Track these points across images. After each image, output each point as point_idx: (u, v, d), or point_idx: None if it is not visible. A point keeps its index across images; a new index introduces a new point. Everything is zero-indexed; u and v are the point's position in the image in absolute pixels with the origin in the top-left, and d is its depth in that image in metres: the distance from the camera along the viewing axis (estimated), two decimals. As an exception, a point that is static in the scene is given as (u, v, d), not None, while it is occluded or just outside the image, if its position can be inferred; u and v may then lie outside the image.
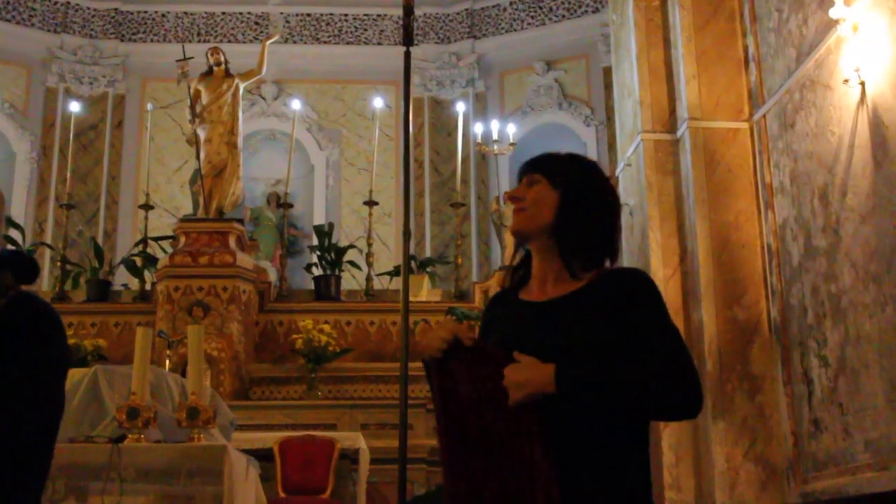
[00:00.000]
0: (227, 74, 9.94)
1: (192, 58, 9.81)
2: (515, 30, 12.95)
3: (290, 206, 10.75)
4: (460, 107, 10.85)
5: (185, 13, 13.24)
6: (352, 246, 10.17)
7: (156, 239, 10.22)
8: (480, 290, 9.53)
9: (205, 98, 9.82)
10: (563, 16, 12.69)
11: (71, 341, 7.87)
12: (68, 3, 12.89)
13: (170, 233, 9.97)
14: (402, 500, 2.80)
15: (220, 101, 9.79)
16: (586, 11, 12.52)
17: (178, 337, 7.98)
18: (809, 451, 5.07)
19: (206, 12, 13.26)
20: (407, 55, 3.07)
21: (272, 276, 10.47)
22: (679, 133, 5.96)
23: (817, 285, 4.95)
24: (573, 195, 2.13)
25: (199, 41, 12.56)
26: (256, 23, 13.28)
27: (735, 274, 5.64)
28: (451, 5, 13.25)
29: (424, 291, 9.60)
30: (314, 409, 8.54)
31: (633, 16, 6.25)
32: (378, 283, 10.01)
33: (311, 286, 10.06)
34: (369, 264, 9.82)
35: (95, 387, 5.23)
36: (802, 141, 5.14)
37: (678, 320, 5.41)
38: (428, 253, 11.87)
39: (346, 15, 13.32)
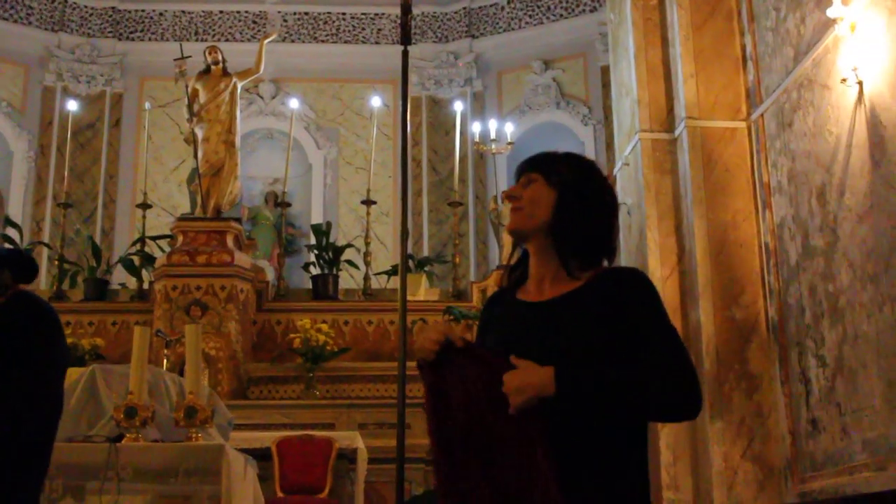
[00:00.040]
0: (225, 73, 9.93)
1: (190, 56, 9.81)
2: (513, 29, 12.95)
3: (288, 205, 10.73)
4: (458, 106, 10.82)
5: (183, 12, 13.23)
6: (349, 245, 10.15)
7: (153, 238, 10.20)
8: (478, 289, 9.51)
9: (202, 97, 9.81)
10: (561, 15, 12.69)
11: (68, 340, 7.80)
12: (66, 1, 12.87)
13: (167, 232, 9.96)
14: (400, 499, 2.80)
15: (217, 99, 9.77)
16: (584, 10, 12.53)
17: (176, 336, 7.96)
18: (807, 451, 5.07)
19: (203, 11, 13.26)
20: (405, 54, 3.08)
21: (270, 275, 10.47)
22: (677, 132, 5.96)
23: (815, 285, 4.95)
24: (570, 194, 2.13)
25: (196, 40, 12.55)
26: (254, 21, 13.27)
27: (733, 273, 5.64)
28: (448, 4, 13.24)
29: (422, 291, 9.59)
30: (312, 409, 8.54)
31: (631, 15, 6.25)
32: (376, 283, 9.99)
33: (309, 285, 10.04)
34: (367, 263, 9.80)
35: (93, 386, 5.22)
36: (800, 140, 5.14)
37: (676, 320, 5.40)
38: (426, 252, 11.87)
39: (343, 14, 13.32)
